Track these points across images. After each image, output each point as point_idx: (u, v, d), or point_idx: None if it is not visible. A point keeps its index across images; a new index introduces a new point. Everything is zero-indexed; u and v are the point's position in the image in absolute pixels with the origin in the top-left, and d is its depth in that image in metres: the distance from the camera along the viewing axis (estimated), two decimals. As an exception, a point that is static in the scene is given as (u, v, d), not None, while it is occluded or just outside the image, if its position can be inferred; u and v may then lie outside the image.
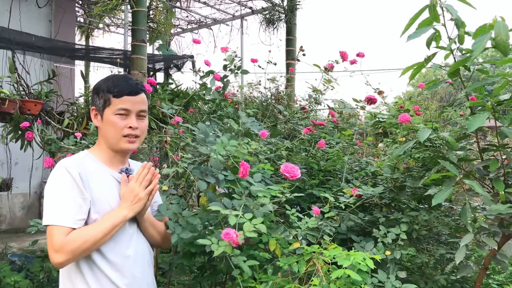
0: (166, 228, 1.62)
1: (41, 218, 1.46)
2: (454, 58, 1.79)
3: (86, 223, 1.38)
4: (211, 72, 2.54)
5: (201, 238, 1.49)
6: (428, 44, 1.78)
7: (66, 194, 1.35)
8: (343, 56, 2.84)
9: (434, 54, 1.82)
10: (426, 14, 1.70)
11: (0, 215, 6.83)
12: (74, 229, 1.33)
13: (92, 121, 1.53)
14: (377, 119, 2.67)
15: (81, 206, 1.35)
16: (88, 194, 1.38)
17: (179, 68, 6.37)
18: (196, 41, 3.03)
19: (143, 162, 1.75)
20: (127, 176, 1.50)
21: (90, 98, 4.14)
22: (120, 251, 1.42)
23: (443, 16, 1.71)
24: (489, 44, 1.63)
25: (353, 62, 2.83)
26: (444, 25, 1.73)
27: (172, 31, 8.60)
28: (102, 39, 10.20)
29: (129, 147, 1.47)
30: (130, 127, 1.44)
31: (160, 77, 6.76)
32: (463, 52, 1.77)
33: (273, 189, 1.66)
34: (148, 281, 1.51)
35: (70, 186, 1.35)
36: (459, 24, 1.71)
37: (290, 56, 6.60)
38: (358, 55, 2.83)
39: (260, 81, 5.00)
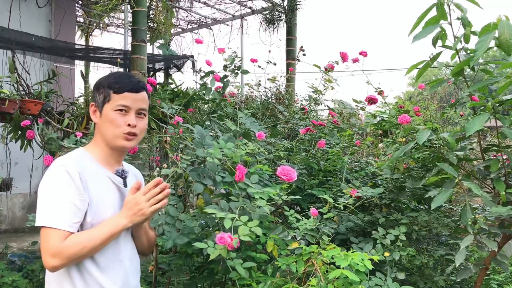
0: (155, 235, 1.59)
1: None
2: (459, 57, 1.78)
3: (81, 225, 1.34)
4: (211, 72, 2.53)
5: (199, 240, 1.48)
6: (434, 43, 1.77)
7: (63, 195, 1.30)
8: (343, 57, 2.84)
9: (439, 53, 1.80)
10: (433, 13, 1.69)
11: (0, 215, 6.83)
12: (71, 232, 1.29)
13: (91, 119, 1.49)
14: (379, 118, 2.66)
15: (78, 209, 1.31)
16: (87, 196, 1.34)
17: (179, 68, 6.37)
18: (198, 41, 3.03)
19: (143, 161, 1.75)
20: (124, 179, 1.47)
21: (91, 98, 4.15)
22: (111, 256, 1.38)
23: (450, 15, 1.70)
24: (492, 43, 1.62)
25: (355, 60, 2.82)
26: (450, 24, 1.72)
27: (172, 31, 8.59)
28: (102, 39, 10.20)
29: (126, 144, 1.43)
30: (129, 124, 1.41)
31: (160, 77, 6.76)
32: (468, 51, 1.77)
33: (269, 191, 1.65)
34: (135, 287, 1.48)
35: (68, 187, 1.30)
36: (466, 23, 1.70)
37: (291, 56, 6.60)
38: (361, 53, 2.83)
39: (260, 81, 4.99)
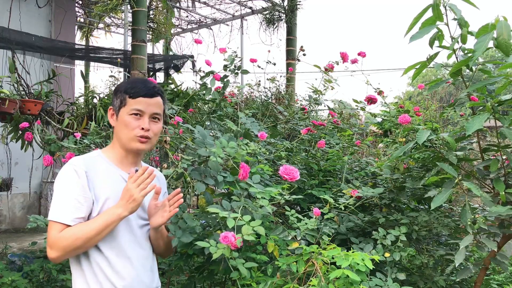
0: (167, 231, 1.62)
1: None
2: (457, 57, 1.78)
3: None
4: (211, 72, 2.54)
5: (200, 240, 1.48)
6: (431, 44, 1.78)
7: (68, 191, 1.38)
8: (344, 57, 2.84)
9: (436, 54, 1.81)
10: (429, 14, 1.70)
11: (0, 215, 6.83)
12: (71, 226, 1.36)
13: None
14: (380, 119, 2.67)
15: (81, 205, 1.38)
16: (92, 193, 1.40)
17: (179, 68, 6.37)
18: (198, 41, 3.04)
19: (143, 161, 1.75)
20: None
21: (91, 98, 4.15)
22: (119, 252, 1.43)
23: (446, 15, 1.70)
24: (491, 44, 1.62)
25: (354, 61, 2.83)
26: (447, 24, 1.72)
27: (172, 31, 8.59)
28: (103, 39, 10.20)
29: (140, 147, 1.49)
30: (142, 128, 1.47)
31: (160, 77, 6.76)
32: (466, 51, 1.77)
33: (271, 191, 1.66)
34: (148, 286, 1.51)
35: (73, 184, 1.39)
36: (462, 23, 1.70)
37: (291, 56, 6.60)
38: (359, 54, 2.84)
39: (259, 81, 5.00)
